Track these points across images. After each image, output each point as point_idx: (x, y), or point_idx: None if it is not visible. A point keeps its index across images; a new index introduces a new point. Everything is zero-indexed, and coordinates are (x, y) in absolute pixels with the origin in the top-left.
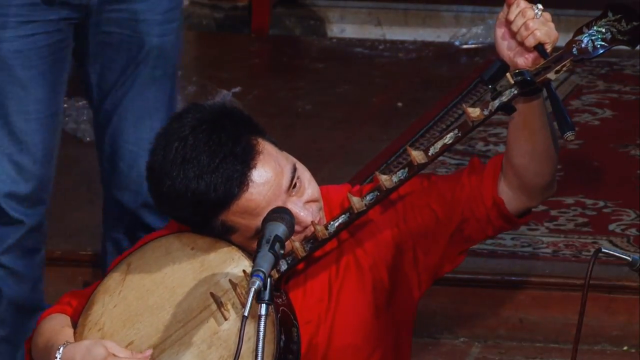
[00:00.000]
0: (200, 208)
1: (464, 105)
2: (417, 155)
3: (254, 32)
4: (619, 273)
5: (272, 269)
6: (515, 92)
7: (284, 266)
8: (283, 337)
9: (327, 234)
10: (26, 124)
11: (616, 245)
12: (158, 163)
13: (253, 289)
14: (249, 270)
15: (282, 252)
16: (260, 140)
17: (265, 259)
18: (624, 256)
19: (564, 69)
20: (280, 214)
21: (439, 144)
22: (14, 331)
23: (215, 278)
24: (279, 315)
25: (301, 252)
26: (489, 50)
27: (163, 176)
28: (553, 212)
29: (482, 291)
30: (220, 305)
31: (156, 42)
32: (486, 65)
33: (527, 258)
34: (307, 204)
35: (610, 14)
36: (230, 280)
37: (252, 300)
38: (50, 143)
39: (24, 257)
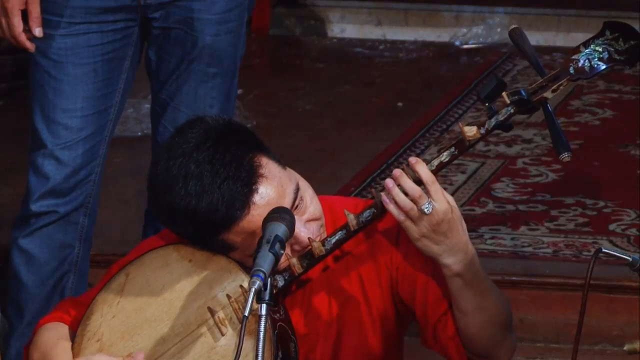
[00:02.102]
0: (200, 226)
1: (460, 124)
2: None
3: (254, 32)
4: (619, 273)
5: (272, 268)
6: (512, 110)
7: (281, 282)
8: (280, 354)
9: (324, 250)
10: (71, 120)
11: (616, 245)
12: (161, 176)
13: (253, 289)
14: (246, 285)
15: (282, 252)
16: (264, 159)
17: (266, 259)
18: (624, 256)
19: (561, 87)
20: (281, 213)
21: (435, 162)
22: (37, 317)
23: (212, 292)
24: (277, 331)
25: (298, 269)
26: (489, 50)
27: (165, 190)
28: (553, 212)
29: None
30: (217, 320)
31: (209, 41)
32: (487, 65)
33: (527, 258)
34: (308, 222)
35: (607, 33)
36: (227, 295)
37: (252, 300)
38: (95, 138)
39: (49, 247)
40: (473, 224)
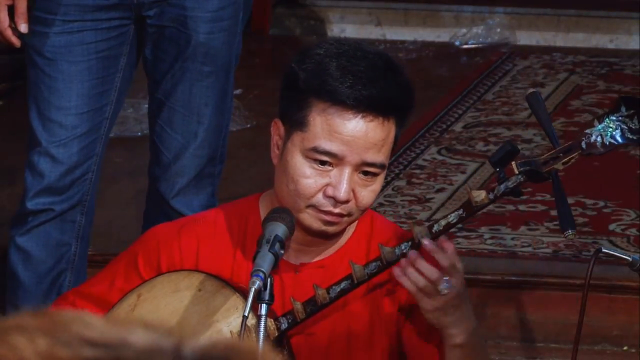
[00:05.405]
0: (315, 79)
1: (468, 187)
2: (419, 231)
3: (254, 32)
4: (619, 273)
5: (271, 268)
6: (522, 179)
7: (284, 325)
8: None
9: (327, 298)
10: (66, 118)
11: (616, 245)
12: (323, 45)
13: (253, 289)
14: (249, 322)
15: (282, 252)
16: (392, 124)
17: (265, 259)
18: (624, 256)
19: (572, 160)
20: (281, 214)
21: (443, 222)
22: None
23: (218, 325)
24: None
25: (301, 315)
26: (489, 50)
27: (317, 46)
28: (553, 212)
29: (482, 291)
30: None
31: (202, 39)
32: (487, 65)
33: (527, 258)
34: (352, 193)
35: (622, 109)
36: (231, 332)
37: (252, 300)
38: (91, 136)
39: (46, 244)
40: (473, 224)
